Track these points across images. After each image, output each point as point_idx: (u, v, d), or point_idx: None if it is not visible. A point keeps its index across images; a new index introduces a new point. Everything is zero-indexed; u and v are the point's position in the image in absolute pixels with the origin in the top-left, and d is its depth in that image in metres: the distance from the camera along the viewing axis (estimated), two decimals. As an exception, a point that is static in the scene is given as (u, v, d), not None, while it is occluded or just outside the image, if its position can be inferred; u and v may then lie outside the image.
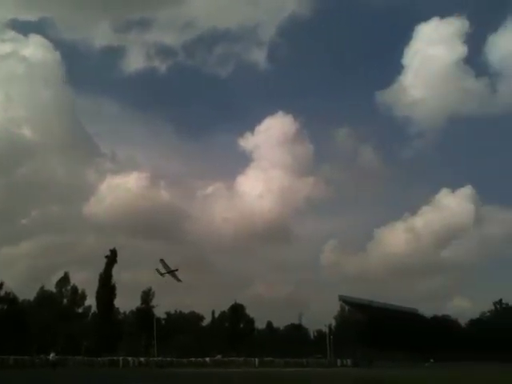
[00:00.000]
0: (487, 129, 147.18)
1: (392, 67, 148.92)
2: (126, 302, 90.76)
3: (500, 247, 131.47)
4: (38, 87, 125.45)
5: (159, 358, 70.29)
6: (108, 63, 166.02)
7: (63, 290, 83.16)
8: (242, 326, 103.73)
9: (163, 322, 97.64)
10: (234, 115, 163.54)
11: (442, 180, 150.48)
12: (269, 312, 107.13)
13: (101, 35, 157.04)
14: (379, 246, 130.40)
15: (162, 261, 68.88)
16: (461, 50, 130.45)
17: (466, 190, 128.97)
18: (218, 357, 75.81)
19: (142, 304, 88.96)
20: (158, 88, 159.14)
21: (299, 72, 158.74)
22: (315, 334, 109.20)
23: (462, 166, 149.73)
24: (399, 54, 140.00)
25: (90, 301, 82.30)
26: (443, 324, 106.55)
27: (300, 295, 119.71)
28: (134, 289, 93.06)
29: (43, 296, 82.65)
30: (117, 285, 77.45)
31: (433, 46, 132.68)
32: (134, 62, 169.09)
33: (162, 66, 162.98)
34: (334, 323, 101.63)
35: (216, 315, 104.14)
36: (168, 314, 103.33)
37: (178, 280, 69.64)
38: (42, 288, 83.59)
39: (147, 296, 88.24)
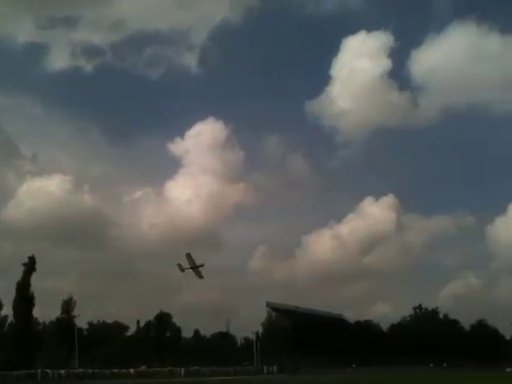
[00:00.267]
0: (409, 141, 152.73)
1: (321, 77, 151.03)
2: (45, 312, 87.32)
3: (420, 254, 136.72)
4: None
5: (80, 370, 67.64)
6: (31, 61, 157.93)
7: (-23, 299, 78.55)
8: (168, 334, 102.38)
9: (85, 332, 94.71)
10: (164, 119, 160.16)
11: (367, 188, 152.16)
12: (196, 320, 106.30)
13: (23, 32, 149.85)
14: (306, 252, 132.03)
15: (188, 255, 65.14)
16: (386, 63, 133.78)
17: (389, 199, 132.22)
18: (143, 367, 74.07)
19: (62, 314, 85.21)
20: (84, 88, 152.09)
21: (230, 78, 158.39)
22: (242, 341, 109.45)
23: (386, 176, 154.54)
24: (328, 64, 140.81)
25: (7, 310, 79.21)
26: (366, 329, 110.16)
27: (228, 302, 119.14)
28: (54, 298, 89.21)
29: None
30: (36, 294, 73.67)
31: (359, 59, 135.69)
32: (59, 60, 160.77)
33: (88, 66, 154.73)
34: (261, 330, 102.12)
35: (141, 324, 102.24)
36: (90, 324, 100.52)
37: (201, 277, 65.98)
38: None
39: (68, 305, 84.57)
